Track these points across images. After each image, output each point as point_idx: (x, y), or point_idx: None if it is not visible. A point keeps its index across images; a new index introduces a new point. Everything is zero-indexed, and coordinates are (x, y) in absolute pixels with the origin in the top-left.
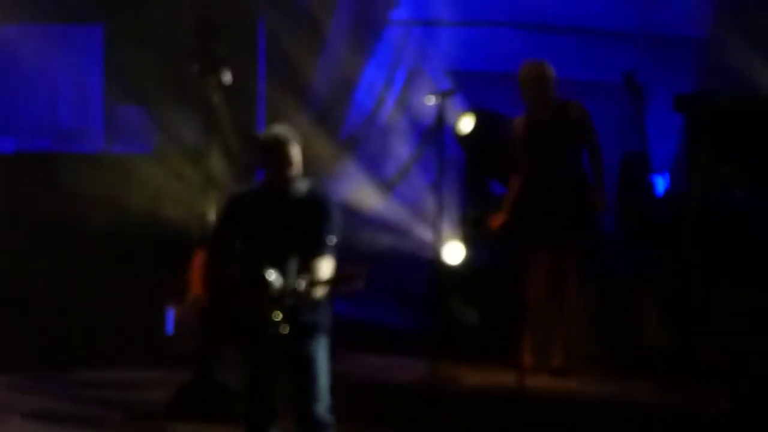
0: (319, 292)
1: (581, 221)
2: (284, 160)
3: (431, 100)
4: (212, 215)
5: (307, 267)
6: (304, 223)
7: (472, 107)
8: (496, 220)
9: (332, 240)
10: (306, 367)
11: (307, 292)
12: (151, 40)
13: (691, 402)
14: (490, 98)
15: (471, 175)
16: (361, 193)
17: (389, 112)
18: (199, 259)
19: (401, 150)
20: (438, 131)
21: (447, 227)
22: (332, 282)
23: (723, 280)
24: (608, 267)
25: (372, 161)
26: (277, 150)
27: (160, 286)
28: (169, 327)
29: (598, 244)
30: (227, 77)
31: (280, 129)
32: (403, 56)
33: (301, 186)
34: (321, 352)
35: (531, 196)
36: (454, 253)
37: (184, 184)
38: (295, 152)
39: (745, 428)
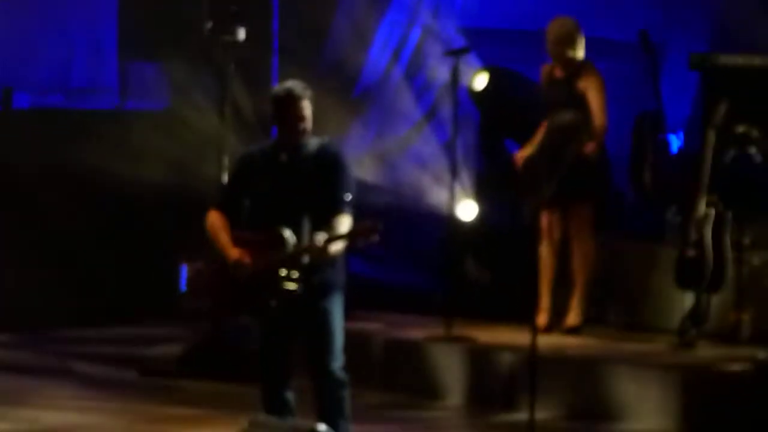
0: (337, 247)
1: (588, 178)
2: (296, 114)
3: (446, 58)
4: (225, 174)
5: (321, 225)
6: (318, 180)
7: (487, 65)
8: (520, 156)
9: (348, 197)
10: (321, 324)
11: (325, 248)
12: None
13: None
14: (506, 56)
15: (486, 134)
16: (375, 151)
17: (404, 69)
18: (212, 218)
19: (415, 108)
20: (453, 89)
21: (461, 186)
22: (348, 236)
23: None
24: (622, 226)
25: (386, 119)
26: (288, 104)
27: (174, 243)
28: (183, 284)
29: (609, 201)
30: (241, 34)
31: (292, 83)
32: (418, 14)
33: (313, 142)
34: (336, 309)
35: (542, 150)
36: (467, 211)
37: (198, 142)
38: (307, 107)
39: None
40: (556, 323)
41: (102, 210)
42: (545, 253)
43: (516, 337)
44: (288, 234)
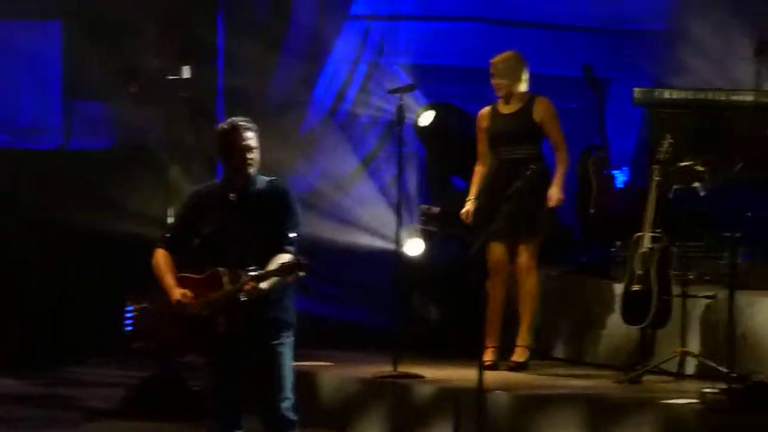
0: (267, 284)
1: (538, 214)
2: (243, 145)
3: (391, 95)
4: (170, 213)
5: (266, 262)
6: (265, 218)
7: (432, 102)
8: (465, 213)
9: (293, 234)
10: (270, 363)
11: (255, 285)
12: (110, 36)
13: (656, 397)
14: (451, 92)
15: (431, 170)
16: (322, 189)
17: (350, 107)
18: (157, 256)
19: (362, 145)
20: (398, 126)
21: (408, 222)
22: (276, 272)
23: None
24: (568, 261)
25: (332, 157)
26: (235, 136)
27: (119, 282)
28: (128, 324)
29: (555, 237)
30: (186, 73)
31: (236, 118)
32: (363, 51)
33: (261, 180)
34: (286, 348)
35: (490, 186)
36: (415, 248)
37: (144, 181)
38: (254, 138)
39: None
40: (503, 359)
41: (47, 249)
42: (493, 288)
43: (463, 373)
44: (224, 272)
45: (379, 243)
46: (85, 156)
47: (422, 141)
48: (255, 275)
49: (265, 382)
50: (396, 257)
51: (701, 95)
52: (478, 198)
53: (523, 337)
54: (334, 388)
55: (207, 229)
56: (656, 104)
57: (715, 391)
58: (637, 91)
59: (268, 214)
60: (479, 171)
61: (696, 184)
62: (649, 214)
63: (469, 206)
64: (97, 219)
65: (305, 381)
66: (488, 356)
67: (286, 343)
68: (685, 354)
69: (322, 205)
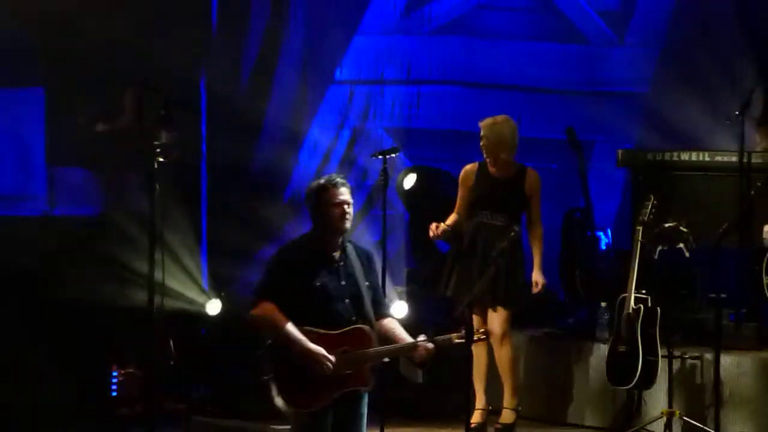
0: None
1: (514, 283)
2: (341, 200)
3: (375, 158)
4: (158, 277)
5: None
6: (364, 275)
7: (416, 165)
8: (435, 226)
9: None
10: (359, 425)
11: (428, 351)
12: (93, 102)
13: None
14: (434, 156)
15: (415, 233)
16: None
17: (334, 170)
18: (267, 308)
19: None
20: (382, 189)
21: (393, 285)
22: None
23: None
24: (553, 324)
25: None
26: (334, 192)
27: (104, 347)
28: (113, 389)
29: (531, 301)
30: (168, 138)
31: (333, 174)
32: (348, 115)
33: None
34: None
35: (467, 250)
36: (399, 311)
37: (130, 247)
38: (350, 194)
39: None
40: (491, 422)
41: (32, 314)
42: (478, 351)
43: None
44: (368, 330)
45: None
46: (70, 222)
47: (406, 204)
48: (428, 340)
49: None
50: None
51: (685, 156)
52: (450, 265)
53: (509, 400)
54: None
55: (311, 284)
56: (639, 166)
57: None
58: (621, 153)
59: (365, 273)
60: (453, 218)
61: (680, 245)
62: (633, 275)
63: (441, 224)
64: (82, 284)
65: None
66: (476, 418)
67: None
68: (671, 415)
69: None
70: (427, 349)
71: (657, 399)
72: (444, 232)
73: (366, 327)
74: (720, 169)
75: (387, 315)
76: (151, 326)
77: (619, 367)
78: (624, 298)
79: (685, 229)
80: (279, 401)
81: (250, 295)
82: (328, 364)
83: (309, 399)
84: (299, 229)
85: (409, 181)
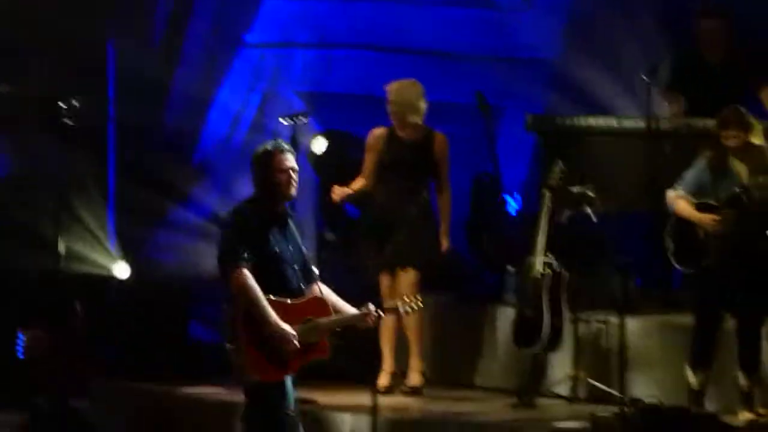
0: None
1: (422, 246)
2: (288, 167)
3: (285, 122)
4: (63, 242)
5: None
6: (301, 242)
7: (326, 129)
8: (337, 192)
9: None
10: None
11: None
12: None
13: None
14: (345, 120)
15: (325, 198)
16: (217, 217)
17: (244, 135)
18: (248, 277)
19: None
20: None
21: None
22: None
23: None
24: (461, 288)
25: (227, 185)
26: (281, 158)
27: (11, 310)
28: (20, 353)
29: (448, 263)
30: (76, 101)
31: (278, 140)
32: (258, 79)
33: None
34: None
35: (376, 215)
36: None
37: (37, 210)
38: (294, 161)
39: None
40: (398, 384)
41: None
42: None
43: (358, 398)
44: (324, 301)
45: None
46: None
47: (316, 169)
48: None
49: None
50: None
51: (593, 121)
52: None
53: (415, 362)
54: (226, 414)
55: (268, 250)
56: (548, 130)
57: (607, 414)
58: (529, 117)
59: (300, 239)
60: (360, 183)
61: (588, 210)
62: (540, 239)
63: (344, 188)
64: None
65: (198, 407)
66: (383, 381)
67: None
68: (577, 378)
69: (218, 232)
70: (374, 317)
71: (563, 362)
72: (347, 196)
73: (322, 296)
74: (628, 134)
75: (317, 280)
76: (58, 289)
77: (525, 331)
78: (531, 261)
79: (592, 194)
80: (246, 371)
81: (221, 263)
82: (295, 342)
83: (278, 370)
84: (207, 191)
85: (319, 145)
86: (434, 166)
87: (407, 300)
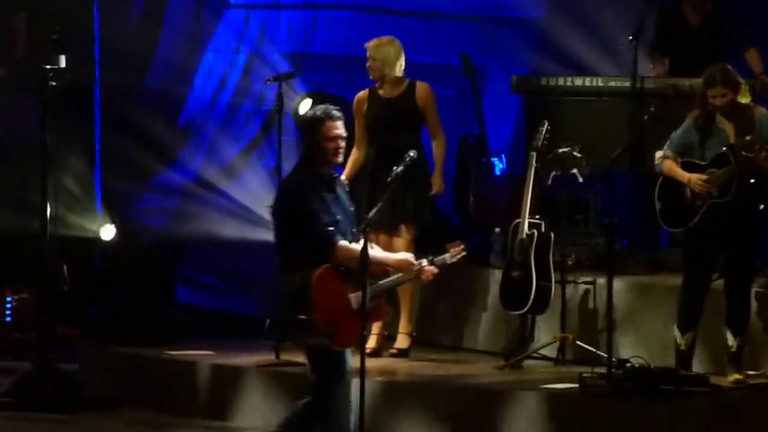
0: None
1: (417, 202)
2: (336, 134)
3: (270, 83)
4: (48, 205)
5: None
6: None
7: (311, 90)
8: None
9: None
10: None
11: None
12: None
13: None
14: (330, 80)
15: None
16: (203, 178)
17: (230, 96)
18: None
19: (243, 134)
20: (278, 115)
21: None
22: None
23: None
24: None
25: (213, 146)
26: (330, 125)
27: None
28: (7, 315)
29: (434, 225)
30: (61, 62)
31: (328, 106)
32: (243, 40)
33: None
34: None
35: (369, 174)
36: None
37: (22, 173)
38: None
39: None
40: (386, 347)
41: None
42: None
43: None
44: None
45: (260, 233)
46: None
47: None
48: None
49: None
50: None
51: (578, 82)
52: (350, 183)
53: (404, 325)
54: (215, 377)
55: (333, 219)
56: (533, 91)
57: (594, 375)
58: (514, 78)
59: (347, 202)
60: (355, 156)
61: (574, 171)
62: (527, 200)
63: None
64: None
65: (186, 370)
66: (371, 343)
67: None
68: (564, 339)
69: (204, 194)
70: (433, 271)
71: (550, 324)
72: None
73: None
74: (613, 95)
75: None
76: (44, 252)
77: (512, 293)
78: (518, 223)
79: (578, 155)
80: (317, 339)
81: (315, 247)
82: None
83: (348, 336)
84: (194, 153)
85: (305, 106)
86: (420, 115)
87: (455, 251)
